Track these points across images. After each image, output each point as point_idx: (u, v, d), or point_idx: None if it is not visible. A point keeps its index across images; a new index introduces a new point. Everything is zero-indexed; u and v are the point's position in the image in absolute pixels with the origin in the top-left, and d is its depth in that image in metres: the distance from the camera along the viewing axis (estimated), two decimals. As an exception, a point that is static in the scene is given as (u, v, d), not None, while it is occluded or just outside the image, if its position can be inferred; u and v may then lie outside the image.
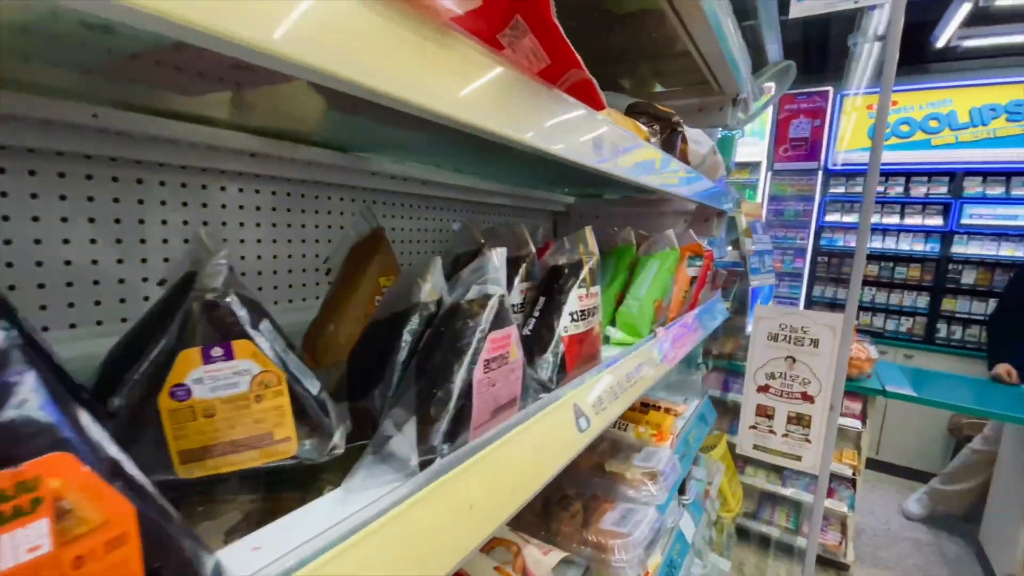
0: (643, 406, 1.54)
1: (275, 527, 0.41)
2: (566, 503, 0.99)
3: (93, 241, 0.71)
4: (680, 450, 1.43)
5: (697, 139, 1.29)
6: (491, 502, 0.51)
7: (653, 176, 0.95)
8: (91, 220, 0.71)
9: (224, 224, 0.88)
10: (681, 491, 1.82)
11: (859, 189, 5.62)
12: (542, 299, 0.77)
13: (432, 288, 0.59)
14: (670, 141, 1.08)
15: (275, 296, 0.98)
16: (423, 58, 0.39)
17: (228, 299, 0.45)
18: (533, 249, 0.82)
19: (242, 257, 0.92)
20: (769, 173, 6.42)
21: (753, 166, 6.63)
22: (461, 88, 0.43)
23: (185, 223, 0.82)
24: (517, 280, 0.81)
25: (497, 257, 0.56)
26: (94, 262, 0.71)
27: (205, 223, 0.84)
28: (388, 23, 0.36)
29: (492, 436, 0.54)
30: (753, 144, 6.57)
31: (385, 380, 0.57)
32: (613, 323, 1.18)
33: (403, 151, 1.06)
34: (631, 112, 1.10)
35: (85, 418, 0.28)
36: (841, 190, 5.81)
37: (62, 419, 0.26)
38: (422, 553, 0.43)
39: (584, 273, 0.77)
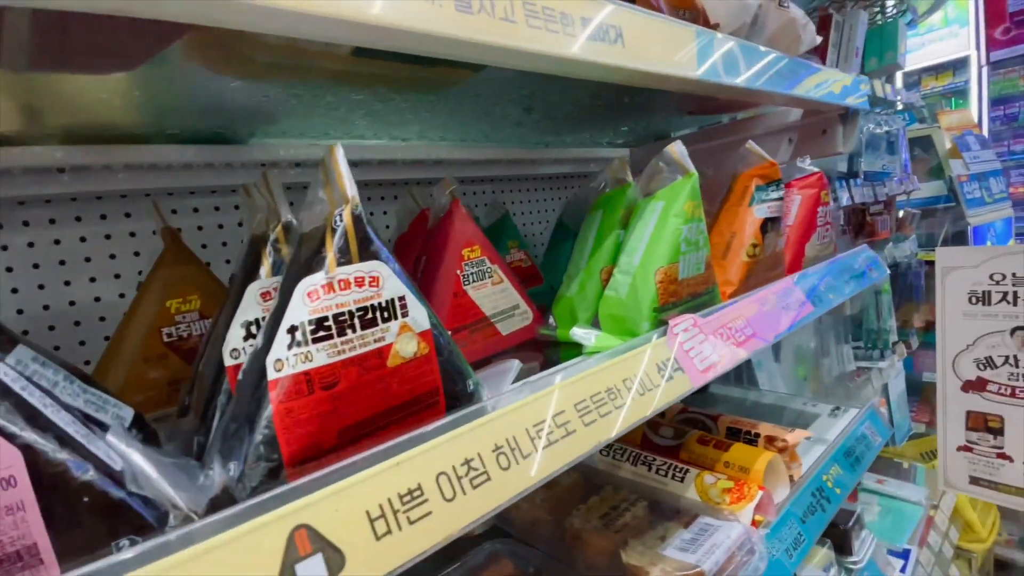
0: (729, 432, 0.97)
1: None
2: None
3: None
4: (796, 511, 0.84)
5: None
6: None
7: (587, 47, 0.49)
8: None
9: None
10: (843, 550, 1.15)
11: None
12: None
13: None
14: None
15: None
16: None
17: None
18: (287, 216, 0.44)
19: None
20: (984, 68, 4.72)
21: (956, 65, 4.98)
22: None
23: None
24: (260, 278, 0.44)
25: None
26: None
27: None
28: None
29: None
30: (951, 36, 4.94)
31: None
32: (596, 322, 0.71)
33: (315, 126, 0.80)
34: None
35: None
36: (1123, 59, 3.93)
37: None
38: None
39: (325, 235, 0.37)
